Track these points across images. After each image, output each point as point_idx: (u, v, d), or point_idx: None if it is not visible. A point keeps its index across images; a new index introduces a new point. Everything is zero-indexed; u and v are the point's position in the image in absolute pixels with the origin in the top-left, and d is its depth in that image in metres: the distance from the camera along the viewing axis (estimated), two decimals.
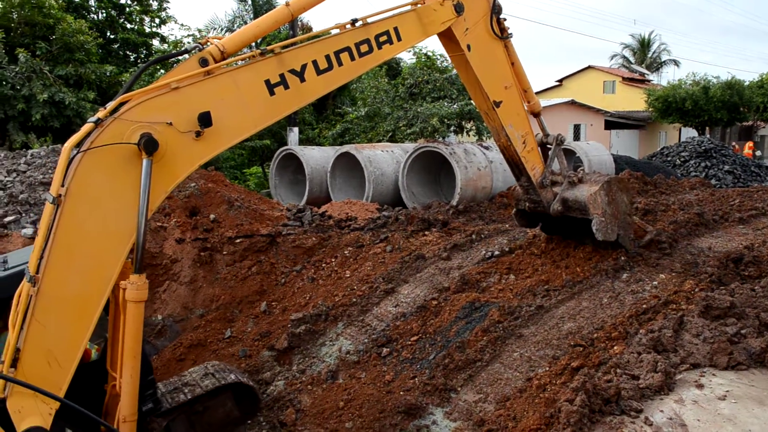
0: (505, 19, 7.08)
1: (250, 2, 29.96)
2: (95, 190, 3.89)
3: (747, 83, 47.91)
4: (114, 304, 4.36)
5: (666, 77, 72.38)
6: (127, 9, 26.22)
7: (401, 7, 5.86)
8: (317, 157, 15.73)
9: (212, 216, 9.71)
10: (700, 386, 4.92)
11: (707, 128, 47.73)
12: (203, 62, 4.35)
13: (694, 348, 5.49)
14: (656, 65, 67.29)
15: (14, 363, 3.70)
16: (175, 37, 28.87)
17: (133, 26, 26.36)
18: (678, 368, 5.23)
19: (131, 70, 23.37)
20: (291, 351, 7.32)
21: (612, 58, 68.25)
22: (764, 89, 47.54)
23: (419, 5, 5.99)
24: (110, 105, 4.01)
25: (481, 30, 6.77)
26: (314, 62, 4.89)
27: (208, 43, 4.49)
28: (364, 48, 5.31)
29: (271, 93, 4.63)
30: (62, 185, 3.79)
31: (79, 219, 3.84)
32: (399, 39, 5.64)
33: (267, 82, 4.61)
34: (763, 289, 6.83)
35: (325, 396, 6.54)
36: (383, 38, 5.50)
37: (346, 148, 15.12)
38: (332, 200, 14.64)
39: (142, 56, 26.46)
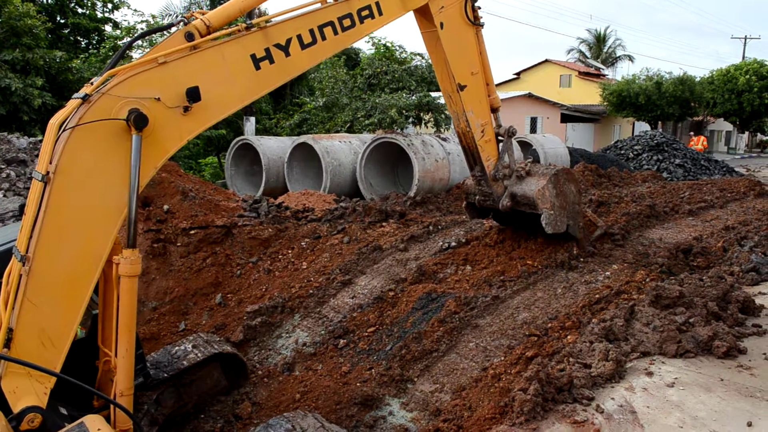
0: (479, 8, 7.21)
1: None
2: (84, 167, 3.82)
3: (698, 79, 49.27)
4: (103, 281, 4.30)
5: (620, 72, 73.93)
6: None
7: None
8: (274, 148, 15.55)
9: (166, 207, 9.50)
10: (650, 374, 5.03)
11: (659, 122, 48.93)
12: (189, 37, 4.29)
13: (645, 337, 5.61)
14: (611, 60, 68.58)
15: (7, 343, 3.66)
16: (129, 22, 28.17)
17: (84, 11, 25.63)
18: (629, 356, 5.34)
19: (81, 56, 22.73)
20: (247, 344, 7.23)
21: (569, 53, 69.38)
22: (714, 85, 48.98)
23: None
24: (97, 81, 3.92)
25: (455, 11, 6.91)
26: (299, 36, 4.90)
27: (193, 17, 4.44)
28: (346, 22, 5.34)
29: (257, 67, 4.62)
30: (50, 162, 3.72)
31: (69, 197, 3.78)
32: (380, 13, 5.71)
33: (253, 56, 4.60)
34: (710, 279, 7.02)
35: (281, 388, 6.48)
36: (365, 12, 5.54)
37: (303, 138, 14.98)
38: (289, 191, 14.50)
39: (94, 42, 25.78)
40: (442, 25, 6.80)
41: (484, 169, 7.76)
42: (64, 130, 3.78)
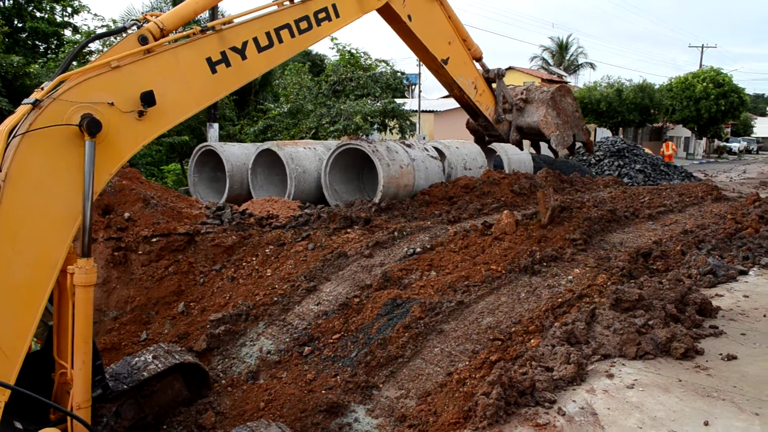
0: None
1: None
2: (37, 174, 3.73)
3: (657, 87, 50.36)
4: (58, 291, 4.20)
5: (582, 79, 75.13)
6: None
7: None
8: (238, 154, 15.38)
9: (127, 214, 9.34)
10: (611, 376, 5.11)
11: (620, 129, 49.90)
12: (143, 40, 4.22)
13: (605, 339, 5.69)
14: (574, 68, 69.74)
15: None
16: (89, 27, 27.61)
17: (43, 15, 25.09)
18: (590, 359, 5.41)
19: (40, 61, 22.25)
20: (210, 352, 7.14)
21: (532, 60, 70.29)
22: (673, 93, 50.17)
23: None
24: (48, 85, 3.83)
25: None
26: (255, 39, 4.84)
27: (147, 20, 4.35)
28: (303, 25, 5.29)
29: (213, 71, 4.57)
30: (0, 170, 3.61)
31: (21, 205, 3.68)
32: (337, 16, 5.66)
33: (209, 59, 4.54)
34: (669, 281, 7.17)
35: (245, 397, 6.41)
36: (322, 15, 5.49)
37: (267, 144, 14.85)
38: (253, 198, 14.37)
39: (53, 47, 25.26)
40: (410, 17, 6.74)
41: (487, 119, 8.11)
42: (14, 137, 3.67)
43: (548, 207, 9.21)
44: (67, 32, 26.03)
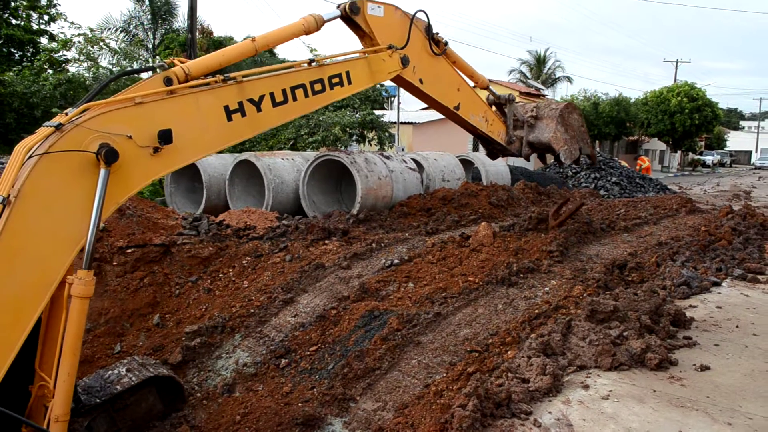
0: (437, 33, 7.42)
1: (147, 2, 28.90)
2: (48, 195, 3.81)
3: (633, 100, 51.13)
4: (50, 301, 4.16)
5: (560, 93, 75.94)
6: (13, 3, 24.63)
7: (353, 53, 6.32)
8: (215, 165, 15.30)
9: (101, 225, 9.23)
10: (586, 387, 5.14)
11: (597, 142, 50.47)
12: (168, 81, 4.45)
13: (581, 350, 5.73)
14: (551, 81, 70.39)
15: None
16: (66, 35, 27.36)
17: (19, 22, 24.82)
18: (565, 370, 5.44)
19: (15, 69, 21.97)
20: (185, 365, 7.05)
21: (510, 73, 70.78)
22: (648, 107, 50.97)
23: (367, 54, 6.42)
24: (72, 112, 3.99)
25: (424, 58, 7.22)
26: (271, 94, 5.15)
27: (173, 64, 4.62)
28: (317, 87, 5.64)
29: (229, 119, 4.81)
30: (12, 186, 3.70)
31: (28, 222, 3.73)
32: (350, 82, 6.04)
33: (226, 107, 4.80)
34: (644, 293, 7.25)
35: (221, 410, 6.33)
36: (335, 80, 5.87)
37: (245, 155, 14.79)
38: (231, 209, 14.29)
39: (29, 54, 24.98)
40: (421, 81, 7.13)
41: (501, 143, 8.64)
42: (31, 157, 3.77)
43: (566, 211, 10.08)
44: (44, 40, 25.78)
